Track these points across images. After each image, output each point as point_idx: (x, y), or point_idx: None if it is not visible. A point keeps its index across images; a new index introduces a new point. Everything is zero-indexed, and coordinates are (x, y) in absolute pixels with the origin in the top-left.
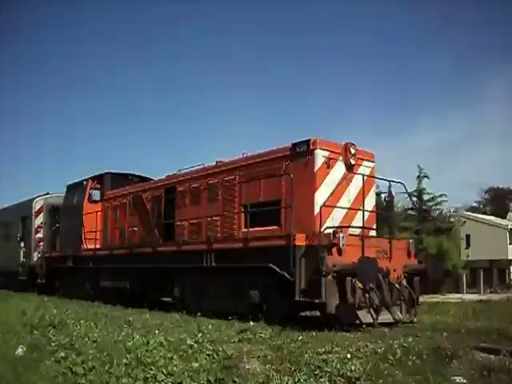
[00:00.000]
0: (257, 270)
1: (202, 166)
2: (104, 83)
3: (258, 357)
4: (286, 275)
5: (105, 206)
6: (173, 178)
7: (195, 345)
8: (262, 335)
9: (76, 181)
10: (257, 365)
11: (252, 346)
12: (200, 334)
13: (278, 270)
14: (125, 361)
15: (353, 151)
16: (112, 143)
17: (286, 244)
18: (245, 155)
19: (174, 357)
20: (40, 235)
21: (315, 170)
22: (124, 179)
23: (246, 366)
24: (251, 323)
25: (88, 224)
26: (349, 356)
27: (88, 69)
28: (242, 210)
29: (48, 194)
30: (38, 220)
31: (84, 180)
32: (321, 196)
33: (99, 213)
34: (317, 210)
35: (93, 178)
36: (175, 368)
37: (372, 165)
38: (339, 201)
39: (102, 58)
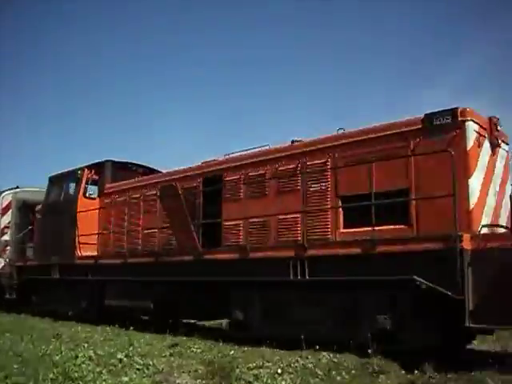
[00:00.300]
0: (382, 285)
1: (266, 148)
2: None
3: (189, 371)
4: (444, 291)
5: (105, 202)
6: (216, 163)
7: (125, 359)
8: (194, 349)
9: (65, 171)
10: (188, 379)
11: (183, 361)
12: (131, 348)
13: (429, 284)
14: (51, 375)
15: (499, 128)
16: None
17: (446, 248)
18: (341, 131)
19: (103, 371)
20: (7, 237)
21: (468, 148)
22: (126, 170)
23: (177, 381)
24: (184, 338)
25: (84, 225)
26: (279, 371)
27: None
28: (340, 203)
29: (18, 187)
30: (6, 219)
31: (78, 169)
32: (476, 184)
33: (98, 211)
34: (473, 201)
35: (90, 167)
36: (104, 383)
37: (507, 148)
38: (489, 191)
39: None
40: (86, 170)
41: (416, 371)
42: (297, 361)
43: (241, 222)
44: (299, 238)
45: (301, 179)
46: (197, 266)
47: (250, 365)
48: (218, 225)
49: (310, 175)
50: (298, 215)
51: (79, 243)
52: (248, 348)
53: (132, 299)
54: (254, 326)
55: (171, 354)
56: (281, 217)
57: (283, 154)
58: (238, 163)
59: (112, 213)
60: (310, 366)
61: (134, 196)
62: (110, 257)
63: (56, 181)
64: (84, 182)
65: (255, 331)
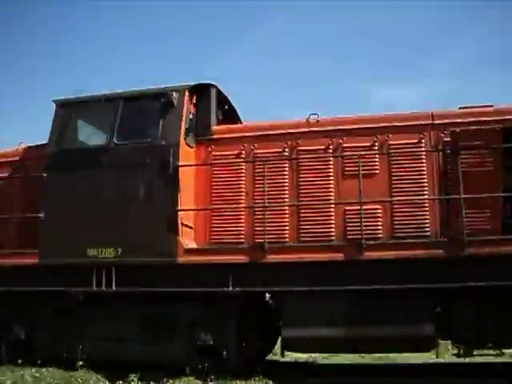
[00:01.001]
0: None
1: None
2: None
3: None
4: None
5: (216, 154)
6: None
7: None
8: None
9: (121, 91)
10: None
11: None
12: None
13: None
14: None
15: None
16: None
17: None
18: None
19: None
20: None
21: None
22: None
23: None
24: None
25: (185, 191)
26: None
27: None
28: None
29: None
30: None
31: (172, 89)
32: None
33: (196, 170)
34: None
35: (191, 90)
36: None
37: None
38: None
39: None
40: (187, 93)
41: (120, 382)
42: None
43: None
44: None
45: None
46: None
47: None
48: None
49: None
50: None
51: (182, 225)
52: None
53: (380, 323)
54: None
55: None
56: None
57: None
58: None
59: (241, 173)
60: (8, 382)
61: (307, 148)
62: (302, 249)
63: (90, 108)
64: (185, 113)
65: None
